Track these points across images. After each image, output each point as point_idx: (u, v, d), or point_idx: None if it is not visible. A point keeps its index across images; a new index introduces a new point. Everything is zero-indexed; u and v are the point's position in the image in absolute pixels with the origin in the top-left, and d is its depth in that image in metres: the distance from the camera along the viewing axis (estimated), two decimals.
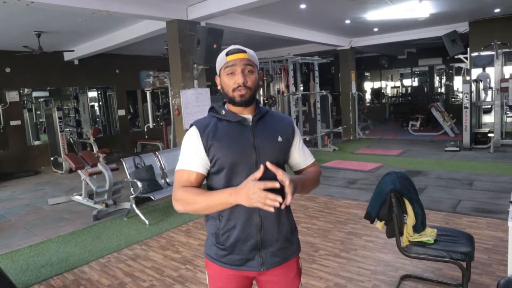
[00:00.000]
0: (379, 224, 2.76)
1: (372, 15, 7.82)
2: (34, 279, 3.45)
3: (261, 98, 9.15)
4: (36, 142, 10.05)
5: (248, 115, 1.47)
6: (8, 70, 8.82)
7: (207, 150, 1.41)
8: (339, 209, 4.82)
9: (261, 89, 9.23)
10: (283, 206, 1.24)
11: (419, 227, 2.62)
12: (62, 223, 5.02)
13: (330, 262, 3.38)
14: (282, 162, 1.49)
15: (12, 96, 8.94)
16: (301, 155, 1.57)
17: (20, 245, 4.31)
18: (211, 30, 5.74)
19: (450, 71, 15.03)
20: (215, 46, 5.71)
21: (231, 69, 1.41)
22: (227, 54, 1.42)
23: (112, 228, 4.69)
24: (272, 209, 1.22)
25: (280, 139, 1.46)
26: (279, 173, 1.27)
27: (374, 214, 2.73)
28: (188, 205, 1.38)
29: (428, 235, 2.61)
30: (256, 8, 6.14)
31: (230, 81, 1.41)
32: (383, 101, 16.80)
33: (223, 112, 1.46)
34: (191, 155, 1.43)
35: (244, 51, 1.43)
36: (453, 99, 15.08)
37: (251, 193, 1.22)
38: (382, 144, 10.00)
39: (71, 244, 4.24)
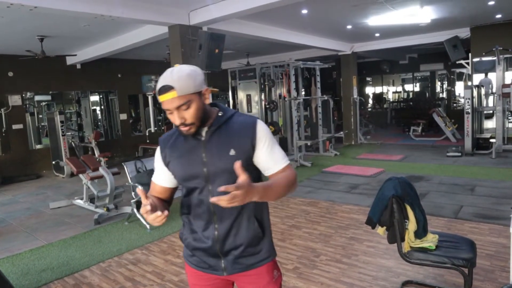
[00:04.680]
0: (381, 230, 2.75)
1: (374, 20, 7.85)
2: (34, 283, 3.45)
3: (263, 103, 9.15)
4: (38, 146, 10.08)
5: (202, 129, 1.44)
6: (11, 74, 8.86)
7: (167, 165, 1.50)
8: (341, 214, 4.81)
9: (263, 93, 9.25)
10: (223, 204, 1.16)
11: (420, 233, 2.61)
12: (63, 227, 5.01)
13: (331, 267, 3.37)
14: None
15: (15, 100, 8.98)
16: (269, 160, 1.45)
17: (21, 249, 4.31)
18: (213, 35, 5.76)
19: (452, 77, 15.03)
20: (217, 51, 5.74)
21: (166, 108, 1.35)
22: (158, 93, 1.33)
23: (113, 232, 4.68)
24: (157, 223, 1.29)
25: (232, 152, 1.39)
26: (240, 177, 1.19)
27: (376, 219, 2.72)
28: None
29: (430, 241, 2.59)
30: (258, 13, 6.17)
31: (171, 117, 1.37)
32: (385, 106, 16.81)
33: None
34: (157, 169, 1.56)
35: (172, 88, 1.30)
36: (454, 104, 15.08)
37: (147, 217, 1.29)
38: (384, 149, 9.99)
39: (72, 248, 4.23)
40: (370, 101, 17.52)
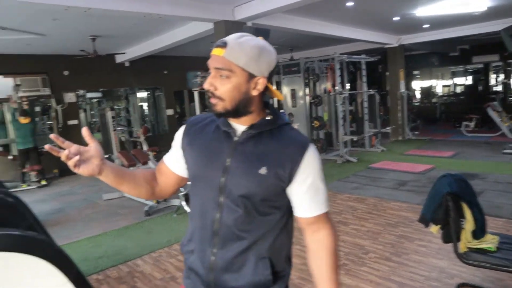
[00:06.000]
0: (434, 228, 2.65)
1: (423, 11, 7.52)
2: (92, 269, 3.64)
3: (307, 98, 9.05)
4: None
5: (239, 126, 1.16)
6: (66, 73, 9.36)
7: (183, 152, 1.25)
8: (389, 211, 4.67)
9: (307, 88, 9.15)
10: None
11: (478, 233, 2.49)
12: (116, 218, 5.26)
13: (380, 265, 3.30)
14: (262, 198, 1.12)
15: (70, 97, 9.49)
16: (306, 199, 1.15)
17: (79, 236, 4.57)
18: (258, 30, 5.77)
19: (508, 68, 14.12)
20: None
21: (208, 66, 1.11)
22: (214, 46, 1.12)
23: (162, 224, 4.85)
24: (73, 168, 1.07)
25: (263, 171, 1.09)
26: None
27: (429, 217, 2.63)
28: None
29: (489, 242, 2.47)
30: (302, 7, 6.10)
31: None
32: (433, 100, 16.12)
33: None
34: (171, 151, 1.32)
35: (223, 45, 1.07)
36: (511, 98, 14.17)
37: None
38: (433, 145, 9.59)
39: (125, 238, 4.43)
40: (418, 95, 16.87)
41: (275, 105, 10.10)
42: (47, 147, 1.07)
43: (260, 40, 1.12)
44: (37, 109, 9.43)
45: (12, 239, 1.50)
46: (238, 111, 1.12)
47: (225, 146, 1.15)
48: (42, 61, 8.89)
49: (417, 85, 17.20)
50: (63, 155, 1.06)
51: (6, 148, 8.58)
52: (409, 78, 15.89)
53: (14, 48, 7.86)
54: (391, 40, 10.76)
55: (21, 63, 8.56)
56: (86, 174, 1.11)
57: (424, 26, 9.51)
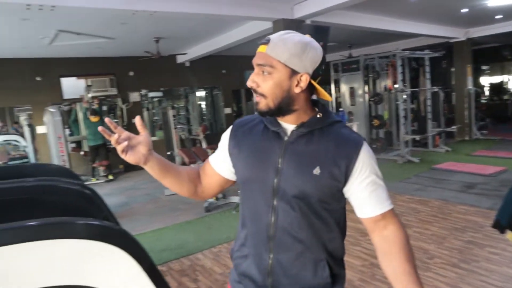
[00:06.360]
0: (511, 235, 2.47)
1: (496, 0, 6.99)
2: (156, 261, 3.75)
3: (366, 96, 8.80)
4: (153, 138, 11.13)
5: (289, 125, 1.14)
6: (131, 73, 9.90)
7: (230, 155, 1.23)
8: (455, 215, 4.41)
9: (367, 86, 8.90)
10: None
11: None
12: (177, 213, 5.47)
13: (447, 272, 3.13)
14: (317, 199, 1.09)
15: (134, 96, 10.02)
16: (366, 198, 1.11)
17: (143, 229, 4.82)
18: (317, 27, 5.72)
19: None
20: (321, 44, 5.66)
21: (253, 63, 1.11)
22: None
23: (221, 220, 4.97)
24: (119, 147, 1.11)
25: (317, 171, 1.07)
26: None
27: (505, 223, 2.44)
28: None
29: None
30: (362, 3, 5.92)
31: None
32: (505, 97, 14.94)
33: None
34: (217, 152, 1.31)
35: (266, 42, 1.07)
36: None
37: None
38: (505, 145, 8.89)
39: (186, 232, 4.60)
40: (487, 92, 15.72)
41: (333, 104, 9.93)
42: (100, 128, 1.13)
43: (305, 37, 1.11)
44: (104, 108, 10.06)
45: (93, 229, 1.61)
46: (281, 109, 1.10)
47: (276, 147, 1.12)
48: (110, 63, 9.48)
49: (486, 81, 16.03)
50: (113, 139, 1.11)
51: (78, 144, 9.27)
52: (477, 73, 14.86)
53: (86, 52, 8.45)
54: (457, 34, 10.12)
55: (92, 65, 9.20)
56: (133, 162, 1.15)
57: (497, 17, 8.84)
